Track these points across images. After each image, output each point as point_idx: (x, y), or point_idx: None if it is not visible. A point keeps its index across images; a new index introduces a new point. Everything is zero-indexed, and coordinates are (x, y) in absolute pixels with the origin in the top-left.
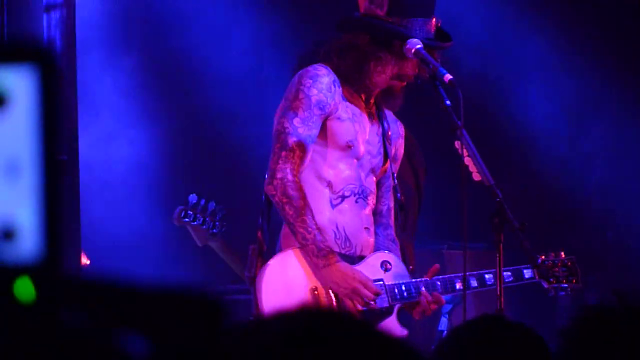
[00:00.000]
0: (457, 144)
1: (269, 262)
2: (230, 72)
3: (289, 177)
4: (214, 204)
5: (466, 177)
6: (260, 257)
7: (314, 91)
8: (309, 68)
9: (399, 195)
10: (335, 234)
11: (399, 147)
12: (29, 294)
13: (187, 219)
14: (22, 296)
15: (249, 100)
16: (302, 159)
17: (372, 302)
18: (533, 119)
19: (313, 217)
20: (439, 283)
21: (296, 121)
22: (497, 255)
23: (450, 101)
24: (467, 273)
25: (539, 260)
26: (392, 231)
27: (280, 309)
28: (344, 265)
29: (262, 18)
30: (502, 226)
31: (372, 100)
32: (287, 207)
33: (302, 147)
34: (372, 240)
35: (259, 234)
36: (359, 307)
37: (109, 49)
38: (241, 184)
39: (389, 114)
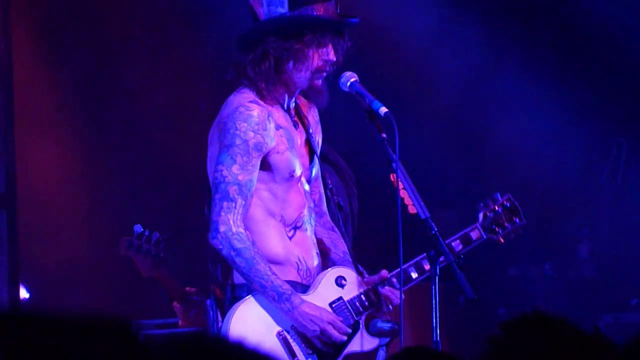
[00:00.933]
0: (392, 176)
1: (230, 316)
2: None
3: (233, 229)
4: (158, 234)
5: (402, 210)
6: (220, 310)
7: (250, 134)
8: (240, 108)
9: (339, 198)
10: (298, 266)
11: (319, 134)
12: None
13: (132, 250)
14: None
15: (194, 129)
16: (244, 206)
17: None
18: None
19: (265, 262)
20: (394, 279)
21: (235, 168)
22: (433, 287)
23: (386, 134)
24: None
25: (482, 217)
26: (327, 218)
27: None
28: (309, 306)
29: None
30: (438, 259)
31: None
32: (237, 260)
33: (243, 194)
34: (320, 262)
35: (213, 287)
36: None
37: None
38: (186, 212)
39: (301, 101)
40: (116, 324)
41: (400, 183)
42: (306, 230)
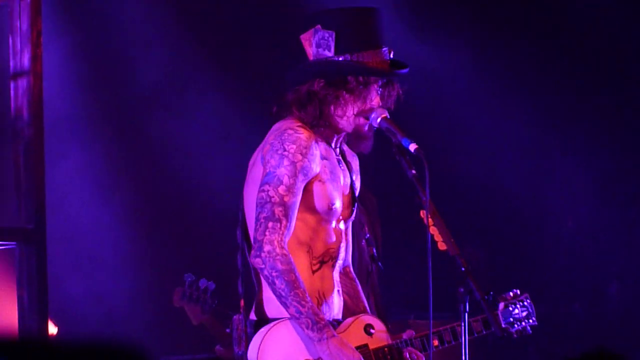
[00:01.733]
0: (422, 213)
1: (261, 337)
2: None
3: (277, 249)
4: (205, 281)
5: (432, 246)
6: (246, 329)
7: (299, 157)
8: (289, 131)
9: (374, 250)
10: (317, 301)
11: (358, 182)
12: None
13: (185, 300)
14: None
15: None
16: (288, 228)
17: None
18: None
19: (304, 288)
20: (417, 341)
21: (281, 189)
22: (463, 324)
23: (417, 170)
24: (436, 329)
25: (502, 306)
26: (350, 267)
27: None
28: (339, 341)
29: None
30: (467, 296)
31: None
32: (277, 282)
33: (288, 216)
34: (342, 301)
35: (242, 302)
36: None
37: (79, 115)
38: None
39: (346, 149)
40: (130, 351)
41: (430, 219)
42: (333, 267)
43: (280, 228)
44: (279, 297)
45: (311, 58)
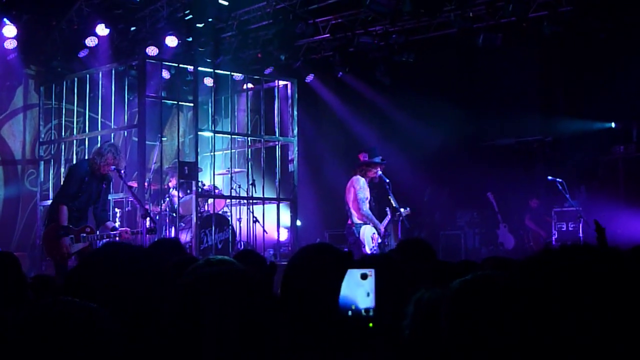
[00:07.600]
0: (390, 198)
1: (364, 230)
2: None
3: (367, 210)
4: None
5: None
6: (355, 228)
7: (365, 187)
8: (360, 180)
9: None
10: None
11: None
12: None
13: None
14: None
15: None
16: (365, 205)
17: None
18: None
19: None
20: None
21: (361, 196)
22: (400, 225)
23: (388, 186)
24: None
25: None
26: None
27: None
28: (381, 225)
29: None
30: (399, 218)
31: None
32: (369, 218)
33: (365, 203)
34: None
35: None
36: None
37: None
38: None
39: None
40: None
41: (391, 200)
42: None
43: (365, 205)
44: (370, 220)
45: (362, 159)
